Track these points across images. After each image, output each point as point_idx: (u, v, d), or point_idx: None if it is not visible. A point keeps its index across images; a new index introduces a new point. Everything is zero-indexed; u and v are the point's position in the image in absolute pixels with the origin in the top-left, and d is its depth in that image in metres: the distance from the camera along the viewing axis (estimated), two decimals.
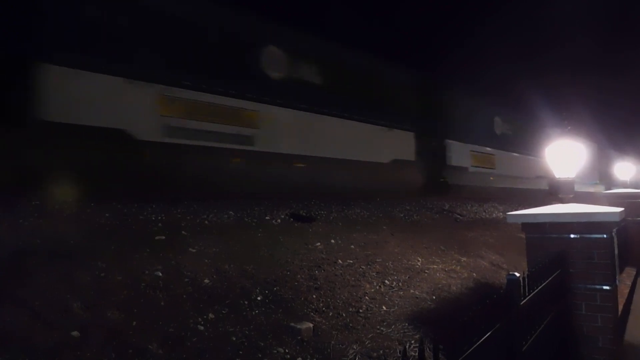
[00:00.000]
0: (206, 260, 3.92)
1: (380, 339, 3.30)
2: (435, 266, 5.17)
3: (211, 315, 3.13)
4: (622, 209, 3.26)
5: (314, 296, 3.78)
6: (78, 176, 4.67)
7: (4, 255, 3.22)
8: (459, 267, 5.34)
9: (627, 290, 5.24)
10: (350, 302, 3.82)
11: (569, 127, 4.12)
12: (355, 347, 3.13)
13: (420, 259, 5.28)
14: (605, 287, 3.14)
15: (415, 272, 4.84)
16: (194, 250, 4.07)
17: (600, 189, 18.42)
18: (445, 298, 4.35)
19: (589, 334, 3.15)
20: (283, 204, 6.50)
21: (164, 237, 4.23)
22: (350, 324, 3.45)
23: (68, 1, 5.43)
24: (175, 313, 3.05)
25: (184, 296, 3.28)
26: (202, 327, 2.97)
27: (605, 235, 3.16)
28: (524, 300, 2.17)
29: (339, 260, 4.67)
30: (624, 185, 13.07)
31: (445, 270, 5.11)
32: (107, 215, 4.58)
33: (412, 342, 3.29)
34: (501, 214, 10.37)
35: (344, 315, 3.58)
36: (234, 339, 2.94)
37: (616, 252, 3.58)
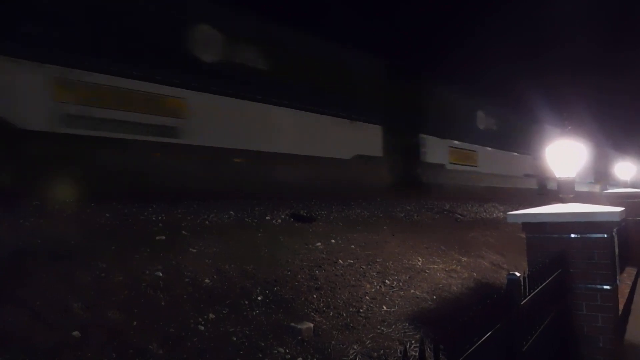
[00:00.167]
0: (206, 260, 3.92)
1: (380, 339, 3.30)
2: (435, 266, 5.17)
3: (211, 315, 3.13)
4: (622, 208, 3.26)
5: (315, 296, 3.78)
6: None
7: None
8: (459, 267, 5.34)
9: (627, 290, 5.24)
10: (350, 302, 3.82)
11: (569, 127, 4.12)
12: (355, 347, 3.13)
13: (420, 259, 5.28)
14: (605, 287, 3.13)
15: (415, 272, 4.84)
16: (195, 250, 4.07)
17: (595, 189, 18.38)
18: (446, 298, 4.35)
19: (590, 333, 3.15)
20: (283, 204, 6.50)
21: (164, 237, 4.23)
22: (351, 324, 3.45)
23: None
24: (175, 313, 3.05)
25: (185, 296, 3.28)
26: (202, 327, 2.97)
27: (605, 235, 3.16)
28: (525, 300, 2.17)
29: (340, 260, 4.67)
30: (623, 185, 13.05)
31: (446, 270, 5.11)
32: (107, 215, 4.58)
33: (413, 342, 3.29)
34: (501, 213, 10.38)
35: (344, 315, 3.58)
36: (235, 339, 2.94)
37: (617, 251, 3.58)
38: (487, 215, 10.10)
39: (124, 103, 5.56)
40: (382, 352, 3.12)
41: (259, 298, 3.54)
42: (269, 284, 3.78)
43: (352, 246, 5.22)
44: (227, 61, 6.83)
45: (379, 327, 3.48)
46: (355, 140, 8.91)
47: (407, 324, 3.59)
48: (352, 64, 9.26)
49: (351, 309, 3.70)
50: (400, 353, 3.09)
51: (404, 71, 10.78)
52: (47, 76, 5.02)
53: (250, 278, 3.81)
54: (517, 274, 2.08)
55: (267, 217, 5.76)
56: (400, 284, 4.42)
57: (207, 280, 3.58)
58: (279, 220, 5.77)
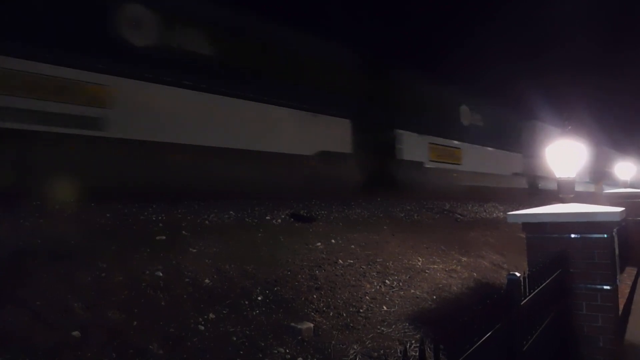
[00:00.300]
0: (207, 260, 3.92)
1: (380, 339, 3.30)
2: (435, 266, 5.17)
3: (212, 315, 3.13)
4: (622, 208, 3.26)
5: (315, 296, 3.79)
6: None
7: None
8: (459, 267, 5.35)
9: (627, 290, 5.24)
10: (350, 302, 3.82)
11: (569, 127, 4.12)
12: (355, 347, 3.13)
13: (420, 259, 5.28)
14: (605, 287, 3.13)
15: (415, 272, 4.84)
16: (195, 250, 4.07)
17: (591, 189, 18.32)
18: (446, 298, 4.35)
19: (590, 333, 3.15)
20: (283, 204, 6.50)
21: (164, 237, 4.23)
22: (351, 324, 3.45)
23: None
24: (175, 313, 3.05)
25: (185, 296, 3.28)
26: (202, 327, 2.97)
27: (605, 235, 3.16)
28: (525, 300, 2.17)
29: (340, 260, 4.67)
30: (623, 185, 13.03)
31: (446, 270, 5.11)
32: (108, 215, 4.58)
33: (413, 342, 3.29)
34: (501, 214, 10.38)
35: (344, 315, 3.58)
36: (235, 339, 2.95)
37: (617, 251, 3.58)
38: (487, 215, 10.10)
39: (33, 89, 4.84)
40: (382, 352, 3.12)
41: (259, 298, 3.54)
42: (269, 284, 3.78)
43: (352, 246, 5.22)
44: (163, 44, 6.06)
45: (379, 327, 3.49)
46: (319, 135, 8.16)
47: (407, 324, 3.59)
48: (318, 52, 8.44)
49: (351, 309, 3.70)
50: (400, 353, 3.09)
51: (378, 61, 10.05)
52: None
53: (251, 278, 3.81)
54: (517, 274, 2.08)
55: (267, 217, 5.76)
56: (401, 284, 4.43)
57: (207, 280, 3.58)
58: (279, 220, 5.77)
